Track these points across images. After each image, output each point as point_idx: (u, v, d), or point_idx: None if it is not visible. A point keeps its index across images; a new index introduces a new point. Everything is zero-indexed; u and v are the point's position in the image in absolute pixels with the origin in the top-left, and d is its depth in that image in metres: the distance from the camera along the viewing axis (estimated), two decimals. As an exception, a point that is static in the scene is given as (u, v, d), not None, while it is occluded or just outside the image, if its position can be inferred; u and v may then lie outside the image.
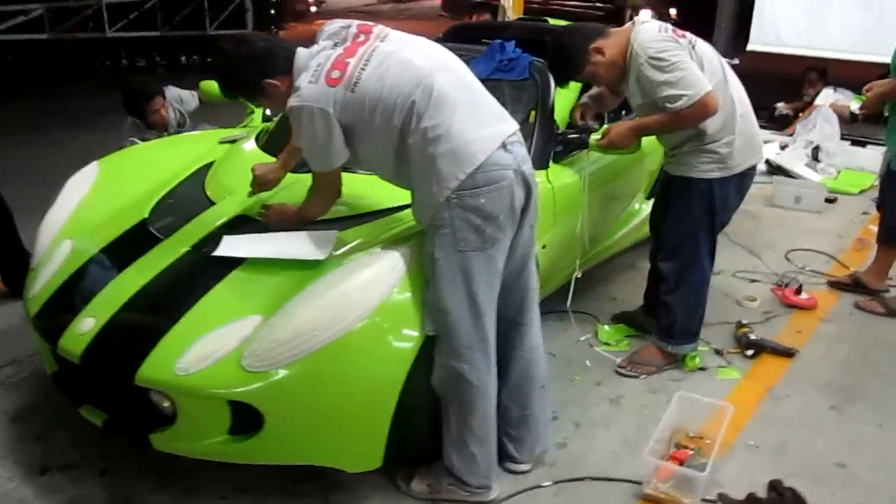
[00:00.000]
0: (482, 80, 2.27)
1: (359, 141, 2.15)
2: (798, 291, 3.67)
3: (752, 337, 3.23)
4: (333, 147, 2.12)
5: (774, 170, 5.66)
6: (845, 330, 3.47)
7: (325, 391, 2.11)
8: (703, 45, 2.76)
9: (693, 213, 2.86)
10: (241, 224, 2.58)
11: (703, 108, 2.59)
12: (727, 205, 2.90)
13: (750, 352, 3.19)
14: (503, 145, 2.09)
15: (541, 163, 2.94)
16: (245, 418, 2.12)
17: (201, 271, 2.39)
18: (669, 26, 2.71)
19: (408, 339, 2.15)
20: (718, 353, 3.23)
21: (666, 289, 3.00)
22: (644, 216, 3.76)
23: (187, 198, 2.88)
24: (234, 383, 2.07)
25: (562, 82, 3.00)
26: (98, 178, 3.06)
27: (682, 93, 2.55)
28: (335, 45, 2.19)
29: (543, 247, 2.80)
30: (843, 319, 3.56)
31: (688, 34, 2.75)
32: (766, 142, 5.88)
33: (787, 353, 3.21)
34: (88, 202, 2.93)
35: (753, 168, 2.90)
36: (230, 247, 2.43)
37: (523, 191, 2.14)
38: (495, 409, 2.28)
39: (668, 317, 3.02)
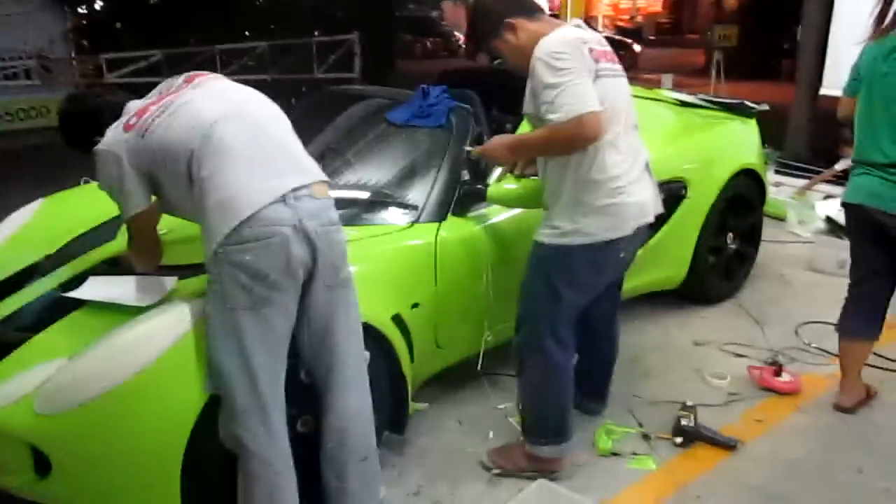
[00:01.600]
0: (399, 126, 2.26)
1: (162, 188, 2.12)
2: (778, 373, 3.16)
3: (687, 423, 2.80)
4: (126, 193, 2.10)
5: (834, 228, 5.00)
6: (817, 424, 2.94)
7: (107, 439, 2.05)
8: (615, 82, 2.36)
9: (531, 281, 2.45)
10: (112, 265, 2.61)
11: (579, 127, 2.18)
12: (575, 280, 2.40)
13: (679, 440, 2.77)
14: (283, 199, 1.96)
15: (436, 214, 2.76)
16: (40, 459, 2.10)
17: (50, 310, 2.42)
18: (599, 38, 2.37)
19: (190, 394, 2.05)
20: (646, 437, 2.83)
21: (516, 371, 2.60)
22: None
23: (97, 236, 2.95)
24: (23, 424, 2.06)
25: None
26: (34, 216, 3.21)
27: (564, 102, 2.18)
28: (159, 94, 2.20)
29: (414, 306, 2.60)
30: (822, 412, 3.02)
31: (613, 63, 2.37)
32: (828, 197, 5.26)
33: (726, 446, 2.75)
34: (15, 237, 3.07)
35: (618, 242, 2.34)
36: (86, 288, 2.45)
37: (305, 248, 1.99)
38: (291, 481, 2.10)
39: (520, 406, 2.64)
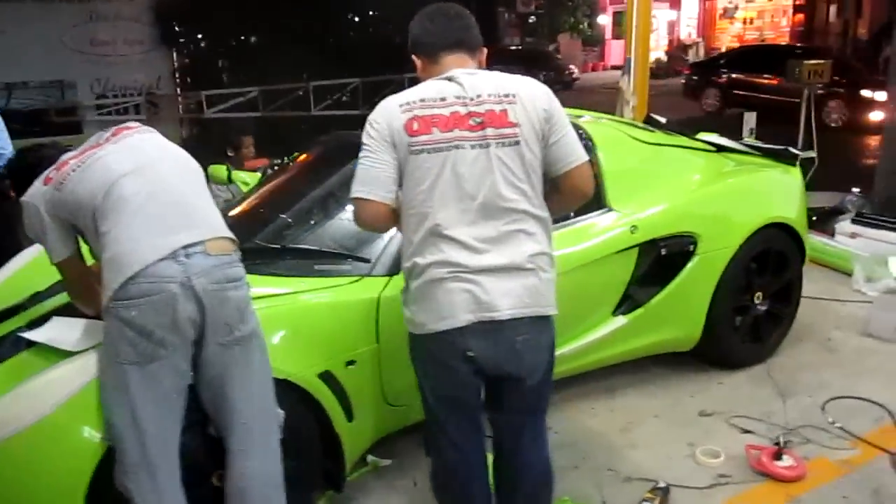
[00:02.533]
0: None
1: (86, 237, 2.17)
2: (778, 455, 2.83)
3: (645, 509, 2.55)
4: (48, 241, 2.18)
5: (909, 289, 4.48)
6: (809, 520, 2.59)
7: (9, 485, 2.11)
8: (446, 157, 1.93)
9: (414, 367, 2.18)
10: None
11: (357, 211, 2.05)
12: (426, 371, 2.11)
13: (637, 526, 2.53)
14: (173, 256, 1.96)
15: (389, 269, 2.68)
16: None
17: (8, 350, 2.53)
18: (455, 99, 1.95)
19: (89, 443, 2.07)
20: (604, 519, 2.60)
21: None
22: (596, 338, 3.21)
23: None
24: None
25: None
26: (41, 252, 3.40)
27: (354, 179, 2.03)
28: (84, 147, 2.27)
29: (350, 363, 2.52)
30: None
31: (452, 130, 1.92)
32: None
33: (690, 537, 2.48)
34: (17, 274, 3.26)
35: (453, 335, 1.96)
36: (41, 328, 2.54)
37: (194, 306, 1.97)
38: None
39: None
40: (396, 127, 1.96)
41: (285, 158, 3.97)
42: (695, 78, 16.18)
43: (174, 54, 10.49)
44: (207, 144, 10.98)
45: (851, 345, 3.93)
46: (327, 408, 2.46)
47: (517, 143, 1.95)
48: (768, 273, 3.65)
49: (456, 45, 2.06)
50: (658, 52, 28.26)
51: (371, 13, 11.98)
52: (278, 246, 2.88)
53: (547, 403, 2.22)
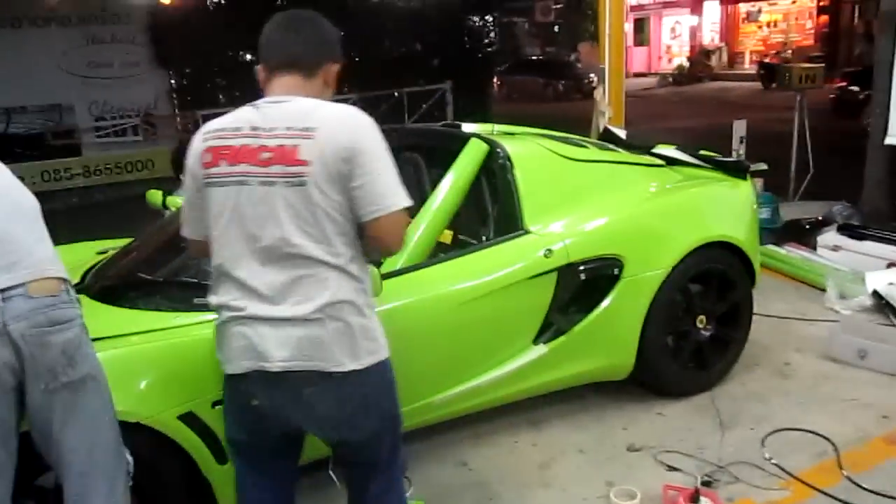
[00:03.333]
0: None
1: None
2: (695, 497, 2.60)
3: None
4: None
5: (882, 308, 4.19)
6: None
7: None
8: (236, 191, 1.78)
9: None
10: None
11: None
12: (223, 410, 2.04)
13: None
14: None
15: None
16: None
17: None
18: (253, 128, 1.78)
19: None
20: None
21: None
22: (515, 368, 3.02)
23: None
24: None
25: None
26: None
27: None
28: None
29: (216, 403, 2.37)
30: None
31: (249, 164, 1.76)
32: (893, 265, 4.47)
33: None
34: None
35: (239, 381, 1.86)
36: None
37: (10, 352, 1.84)
38: None
39: None
40: (195, 157, 1.84)
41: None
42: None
43: (170, 75, 10.53)
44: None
45: (809, 369, 3.67)
46: (191, 451, 2.33)
47: (303, 183, 1.73)
48: (712, 295, 3.43)
49: (286, 65, 1.87)
50: (680, 58, 27.88)
51: (375, 28, 11.96)
52: (160, 279, 2.76)
53: (395, 458, 2.04)
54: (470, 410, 3.08)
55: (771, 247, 5.29)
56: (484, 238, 3.10)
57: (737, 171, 3.75)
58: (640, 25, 30.35)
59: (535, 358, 3.06)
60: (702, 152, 3.99)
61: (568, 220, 3.12)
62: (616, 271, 3.10)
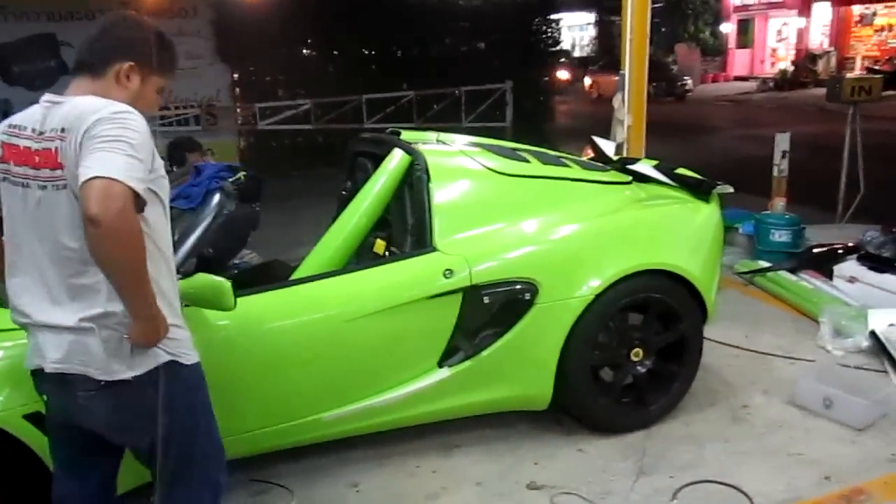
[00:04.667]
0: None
1: None
2: (563, 549, 2.41)
3: None
4: None
5: (879, 351, 3.77)
6: None
7: None
8: (20, 192, 1.81)
9: None
10: None
11: None
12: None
13: None
14: None
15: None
16: None
17: None
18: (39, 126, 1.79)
19: None
20: None
21: None
22: (418, 389, 2.89)
23: None
24: None
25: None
26: None
27: None
28: None
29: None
30: None
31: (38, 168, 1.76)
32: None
33: None
34: None
35: (35, 375, 1.93)
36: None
37: None
38: None
39: None
40: None
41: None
42: None
43: (232, 68, 10.82)
44: (261, 154, 11.35)
45: (767, 415, 3.33)
46: (38, 452, 2.34)
47: (65, 186, 1.72)
48: (652, 328, 3.17)
49: (77, 66, 1.87)
50: (784, 62, 26.41)
51: (427, 26, 11.87)
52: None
53: (189, 471, 1.96)
54: (369, 430, 2.97)
55: (782, 273, 4.89)
56: (386, 253, 2.98)
57: (700, 192, 3.45)
58: (745, 27, 28.94)
59: (437, 381, 2.92)
60: (679, 171, 3.70)
61: (481, 240, 2.96)
62: (528, 296, 2.91)
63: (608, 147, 4.32)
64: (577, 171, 3.41)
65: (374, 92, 10.86)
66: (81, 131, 1.68)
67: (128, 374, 1.80)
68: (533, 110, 12.31)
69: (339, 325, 2.73)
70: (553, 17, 13.60)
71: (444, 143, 3.39)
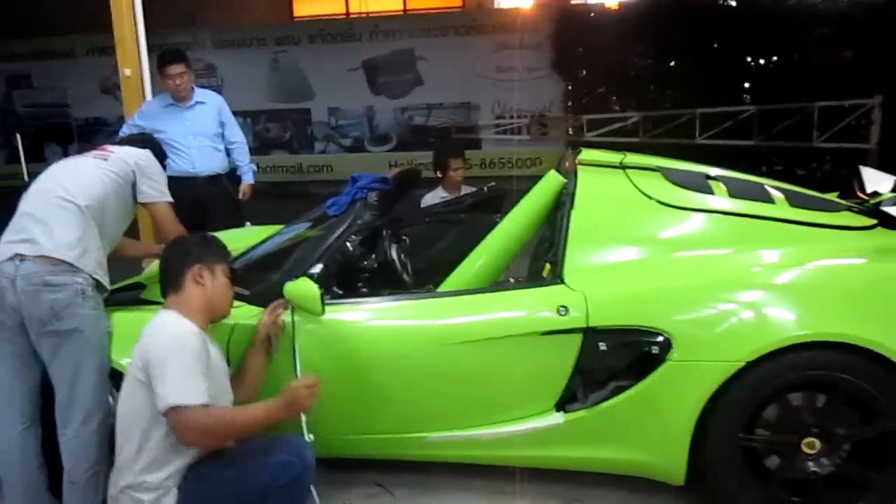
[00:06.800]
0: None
1: None
2: None
3: None
4: None
5: None
6: None
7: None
8: None
9: None
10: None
11: None
12: None
13: None
14: (10, 259, 2.53)
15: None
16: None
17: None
18: None
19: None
20: None
21: None
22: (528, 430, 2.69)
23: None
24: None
25: None
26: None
27: None
28: None
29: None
30: None
31: None
32: None
33: None
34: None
35: None
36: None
37: (15, 297, 2.50)
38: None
39: None
40: None
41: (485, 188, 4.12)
42: None
43: (567, 80, 11.00)
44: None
45: None
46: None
47: None
48: (838, 416, 2.49)
49: None
50: None
51: (777, 34, 10.57)
52: None
53: None
54: (477, 461, 2.86)
55: None
56: (511, 280, 2.81)
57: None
58: None
59: (550, 425, 2.68)
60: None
61: (613, 277, 2.63)
62: (656, 349, 2.50)
63: (879, 181, 3.45)
64: (781, 210, 2.80)
65: (713, 105, 10.16)
66: None
67: None
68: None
69: (443, 347, 2.67)
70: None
71: (627, 165, 3.05)
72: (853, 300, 2.49)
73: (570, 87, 11.11)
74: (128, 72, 4.92)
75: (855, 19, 10.54)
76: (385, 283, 3.19)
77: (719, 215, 2.73)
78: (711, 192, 2.84)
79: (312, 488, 2.40)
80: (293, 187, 11.51)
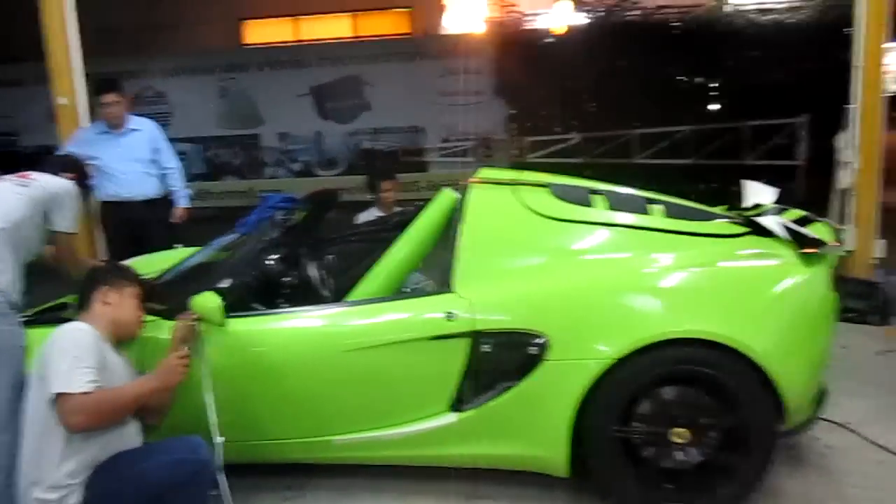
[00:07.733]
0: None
1: None
2: None
3: None
4: None
5: None
6: None
7: None
8: None
9: None
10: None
11: None
12: None
13: None
14: None
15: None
16: None
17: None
18: None
19: None
20: None
21: None
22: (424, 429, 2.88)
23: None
24: None
25: None
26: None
27: None
28: None
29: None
30: None
31: None
32: None
33: None
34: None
35: None
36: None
37: None
38: None
39: None
40: None
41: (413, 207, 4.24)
42: None
43: (508, 104, 11.34)
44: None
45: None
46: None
47: None
48: (703, 407, 2.71)
49: None
50: None
51: (714, 56, 11.06)
52: None
53: None
54: (383, 461, 3.03)
55: None
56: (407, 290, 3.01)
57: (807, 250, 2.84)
58: None
59: (444, 425, 2.87)
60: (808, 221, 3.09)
61: (497, 285, 2.84)
62: (535, 350, 2.71)
63: (758, 193, 3.73)
64: (656, 220, 3.05)
65: (651, 126, 10.55)
66: None
67: None
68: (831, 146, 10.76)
69: (344, 353, 2.85)
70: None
71: (521, 182, 3.26)
72: (709, 300, 2.75)
73: (514, 111, 11.45)
74: (63, 100, 5.07)
75: (786, 43, 11.06)
76: (305, 297, 3.36)
77: (596, 226, 2.97)
78: (592, 205, 3.07)
79: (226, 494, 2.54)
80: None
